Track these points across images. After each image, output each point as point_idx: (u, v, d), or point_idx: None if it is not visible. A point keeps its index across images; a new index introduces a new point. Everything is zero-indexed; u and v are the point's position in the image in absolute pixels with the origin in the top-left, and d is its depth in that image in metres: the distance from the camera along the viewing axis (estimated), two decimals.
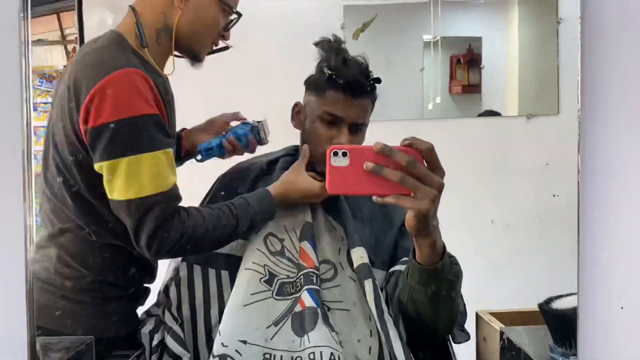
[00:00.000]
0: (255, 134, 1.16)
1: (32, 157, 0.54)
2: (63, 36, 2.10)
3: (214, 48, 1.10)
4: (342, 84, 1.02)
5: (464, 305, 1.01)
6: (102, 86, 0.90)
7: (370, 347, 0.95)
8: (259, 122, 1.17)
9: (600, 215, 0.56)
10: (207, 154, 1.14)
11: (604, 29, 0.55)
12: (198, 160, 1.15)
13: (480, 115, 2.08)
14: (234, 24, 1.09)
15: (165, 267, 1.10)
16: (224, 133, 1.17)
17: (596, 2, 0.53)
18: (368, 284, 0.95)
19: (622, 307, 0.51)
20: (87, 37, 1.50)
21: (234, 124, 1.20)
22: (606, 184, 0.55)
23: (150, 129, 0.92)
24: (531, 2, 2.13)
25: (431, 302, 0.89)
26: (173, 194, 0.95)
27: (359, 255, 0.99)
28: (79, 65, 0.96)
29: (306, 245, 1.01)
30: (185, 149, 1.18)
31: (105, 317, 1.02)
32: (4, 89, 0.48)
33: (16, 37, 0.51)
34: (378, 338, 0.95)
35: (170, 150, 0.96)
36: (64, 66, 1.05)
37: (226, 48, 1.12)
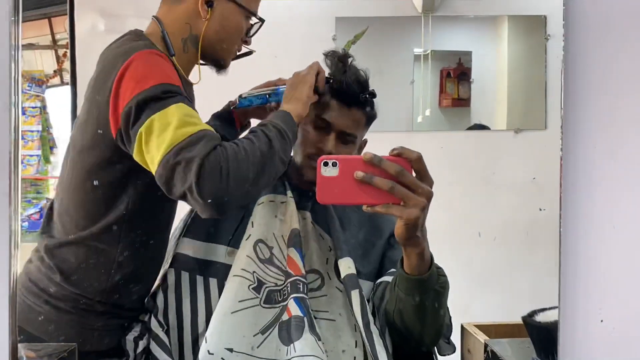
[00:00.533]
0: None
1: (19, 161, 0.54)
2: (54, 40, 2.10)
3: (238, 54, 1.12)
4: (337, 90, 1.04)
5: (450, 317, 1.02)
6: (127, 66, 0.91)
7: (355, 358, 0.95)
8: None
9: (581, 229, 0.57)
10: (248, 100, 1.11)
11: (588, 45, 0.57)
12: (236, 108, 1.14)
13: (470, 128, 2.10)
14: (257, 30, 1.11)
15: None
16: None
17: (579, 18, 0.55)
18: (355, 295, 0.95)
19: (601, 321, 0.52)
20: (79, 42, 1.51)
21: None
22: (587, 198, 0.56)
23: (172, 91, 0.91)
24: (520, 19, 2.17)
25: (418, 313, 0.89)
26: (209, 133, 0.90)
27: (347, 266, 0.99)
28: (103, 59, 0.98)
29: (293, 252, 1.02)
30: (237, 120, 1.18)
31: (85, 328, 1.00)
32: None
33: (6, 41, 0.51)
34: (363, 349, 0.95)
35: (196, 111, 0.95)
36: None
37: (249, 53, 1.14)
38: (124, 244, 0.99)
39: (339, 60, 1.09)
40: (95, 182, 0.95)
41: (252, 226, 1.05)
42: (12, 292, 0.45)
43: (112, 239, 0.99)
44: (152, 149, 0.87)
